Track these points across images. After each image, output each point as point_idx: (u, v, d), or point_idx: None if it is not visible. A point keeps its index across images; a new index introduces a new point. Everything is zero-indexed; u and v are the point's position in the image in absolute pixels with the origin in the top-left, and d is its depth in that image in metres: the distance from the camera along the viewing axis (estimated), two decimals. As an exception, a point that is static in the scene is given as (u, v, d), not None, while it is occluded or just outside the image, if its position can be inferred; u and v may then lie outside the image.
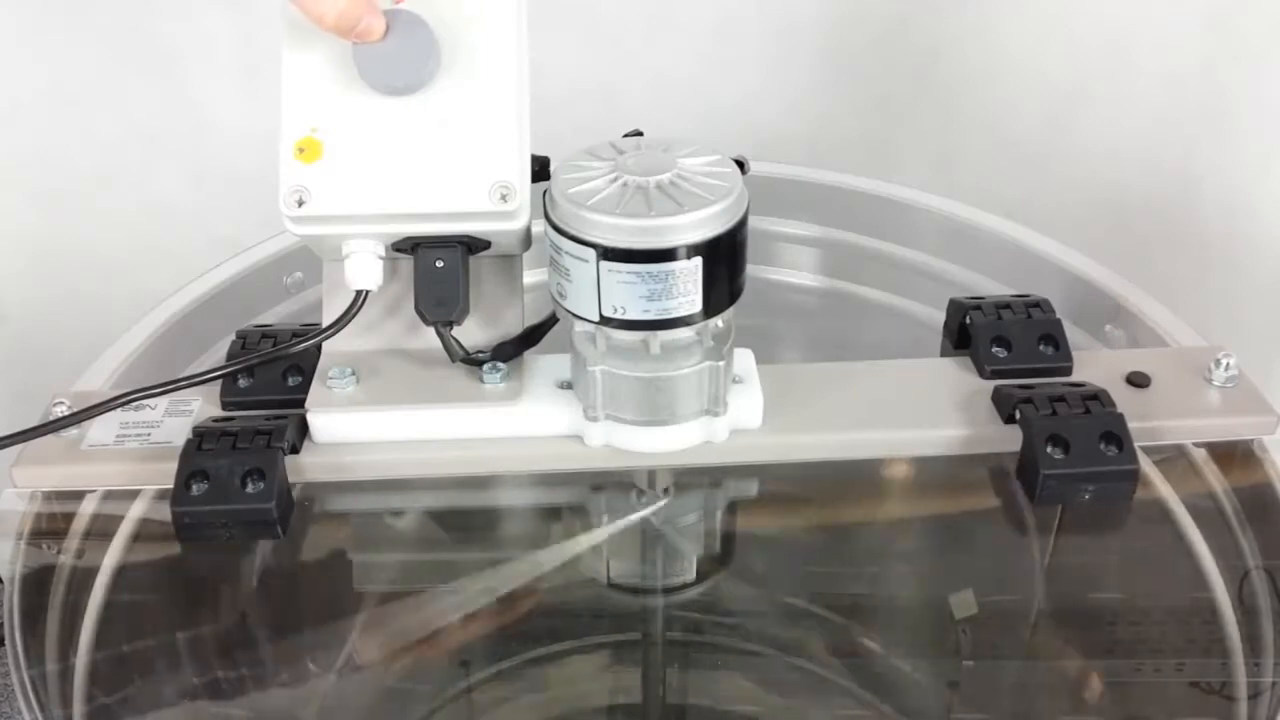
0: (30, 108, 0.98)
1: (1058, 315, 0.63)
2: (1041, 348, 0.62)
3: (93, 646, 0.56)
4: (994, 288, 0.75)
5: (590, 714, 0.70)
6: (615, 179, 0.53)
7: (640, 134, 0.58)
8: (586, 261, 0.52)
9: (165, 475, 0.56)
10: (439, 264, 0.56)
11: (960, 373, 0.62)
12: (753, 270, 0.56)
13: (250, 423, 0.57)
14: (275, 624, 0.62)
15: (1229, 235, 1.02)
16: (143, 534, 0.60)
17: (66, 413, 0.59)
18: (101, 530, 0.59)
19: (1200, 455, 0.61)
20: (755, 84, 1.00)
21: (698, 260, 0.51)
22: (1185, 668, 0.58)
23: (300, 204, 0.54)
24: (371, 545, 0.65)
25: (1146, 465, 0.60)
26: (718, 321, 0.55)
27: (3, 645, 0.54)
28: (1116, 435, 0.56)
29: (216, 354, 0.68)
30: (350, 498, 0.62)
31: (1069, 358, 0.62)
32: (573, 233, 0.52)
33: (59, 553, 0.59)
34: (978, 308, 0.64)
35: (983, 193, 0.84)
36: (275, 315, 0.75)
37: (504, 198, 0.55)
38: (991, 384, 0.61)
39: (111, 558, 0.59)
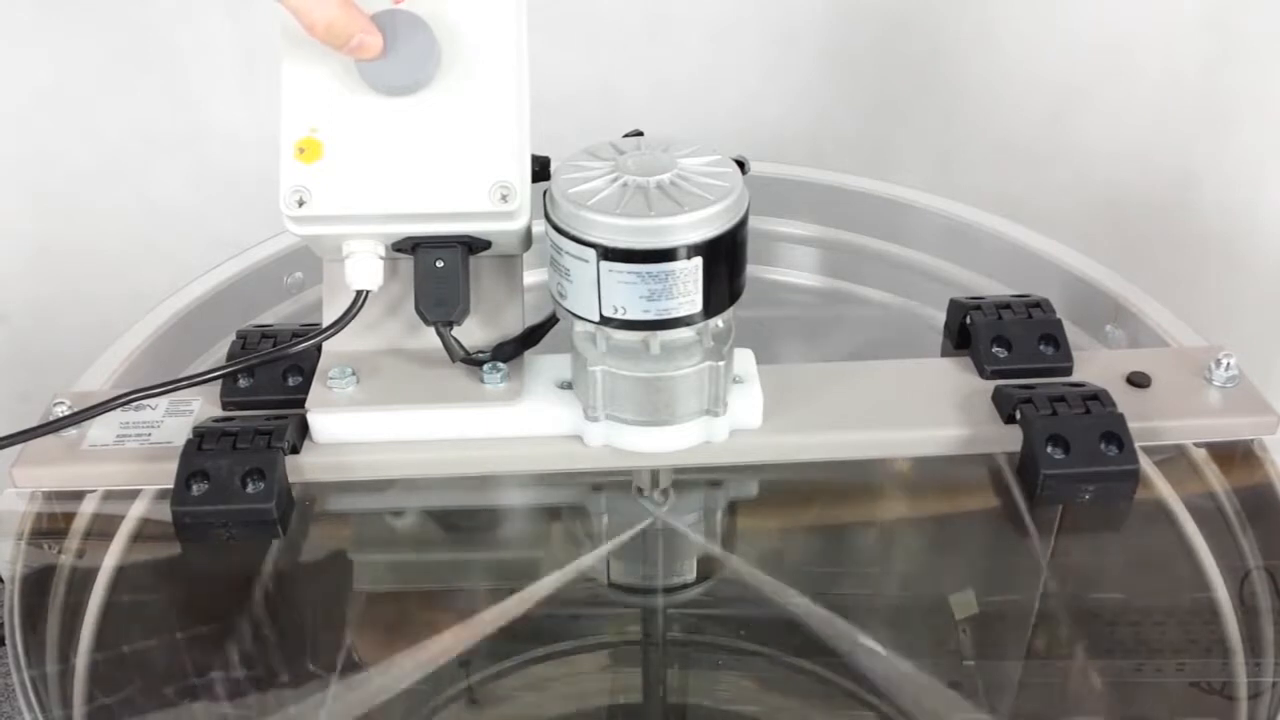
0: (30, 108, 0.98)
1: (1058, 315, 0.63)
2: (1042, 348, 0.62)
3: (93, 646, 0.56)
4: (994, 288, 0.75)
5: (590, 714, 0.70)
6: (615, 179, 0.53)
7: (640, 134, 0.58)
8: (586, 261, 0.52)
9: (165, 475, 0.56)
10: (439, 264, 0.56)
11: (960, 373, 0.62)
12: (753, 270, 0.56)
13: (250, 423, 0.57)
14: (275, 624, 0.62)
15: (1229, 235, 1.02)
16: (143, 534, 0.60)
17: (66, 413, 0.59)
18: (101, 530, 0.59)
19: (1200, 455, 0.61)
20: (756, 84, 1.00)
21: (698, 260, 0.51)
22: (1185, 668, 0.58)
23: (300, 204, 0.54)
24: (371, 545, 0.65)
25: (1147, 465, 0.60)
26: (718, 321, 0.55)
27: (3, 645, 0.54)
28: (1116, 435, 0.56)
29: (216, 354, 0.68)
30: (350, 498, 0.62)
31: (1069, 358, 0.62)
32: (573, 233, 0.52)
33: (59, 553, 0.59)
34: (978, 308, 0.64)
35: (983, 193, 0.84)
36: (275, 315, 0.75)
37: (504, 198, 0.55)
38: (992, 384, 0.61)
39: (111, 558, 0.59)
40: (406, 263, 0.57)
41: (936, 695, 0.63)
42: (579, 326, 0.56)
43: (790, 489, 0.66)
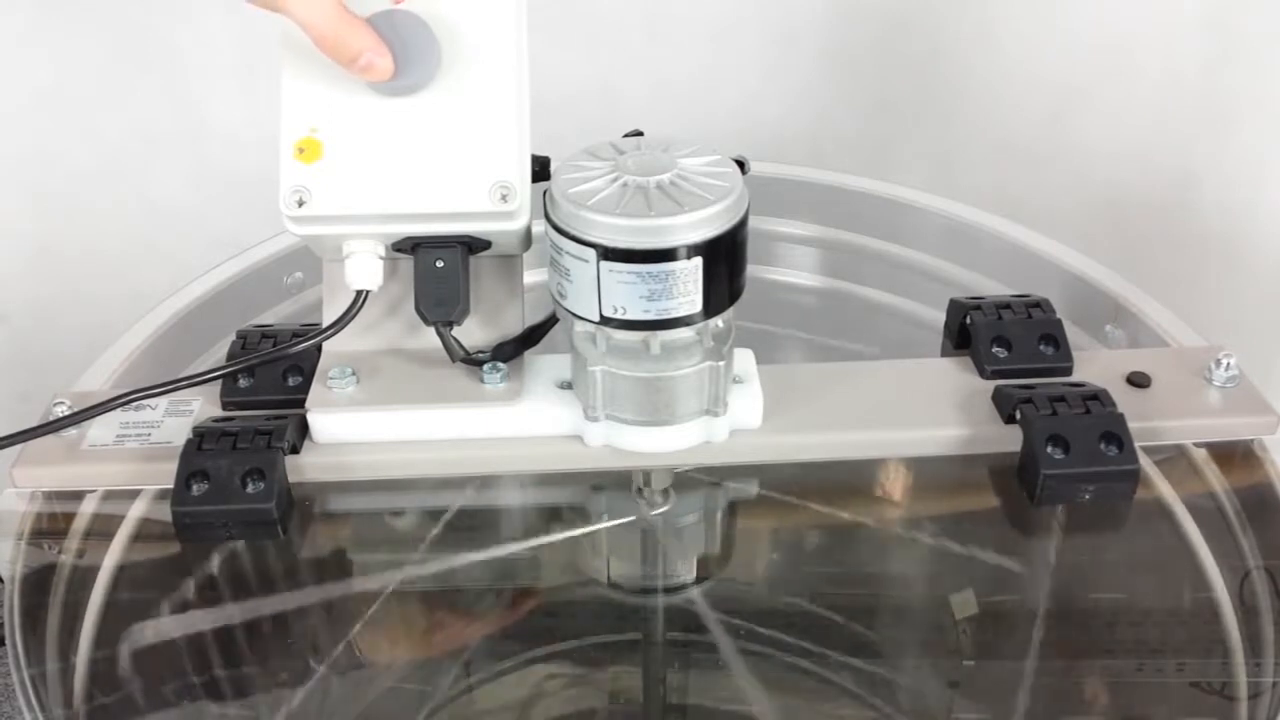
0: (30, 108, 0.98)
1: (1058, 315, 0.63)
2: (1042, 348, 0.62)
3: (93, 646, 0.56)
4: (994, 288, 0.75)
5: (590, 714, 0.70)
6: (615, 179, 0.53)
7: (640, 134, 0.58)
8: (586, 261, 0.52)
9: (165, 475, 0.56)
10: (439, 264, 0.56)
11: (960, 373, 0.62)
12: (753, 270, 0.56)
13: (250, 423, 0.57)
14: (275, 624, 0.62)
15: (1229, 235, 1.02)
16: (143, 534, 0.59)
17: (66, 413, 0.59)
18: (101, 530, 0.59)
19: (1200, 455, 0.61)
20: (756, 84, 1.01)
21: (698, 260, 0.51)
22: (1185, 668, 0.58)
23: (300, 204, 0.54)
24: (372, 545, 0.65)
25: (1147, 465, 0.60)
26: (718, 321, 0.55)
27: (3, 645, 0.54)
28: (1117, 435, 0.56)
29: (216, 354, 0.68)
30: (350, 498, 0.62)
31: (1069, 358, 0.62)
32: (573, 233, 0.52)
33: (59, 553, 0.59)
34: (978, 308, 0.64)
35: (983, 193, 0.84)
36: (275, 315, 0.75)
37: (504, 198, 0.55)
38: (992, 384, 0.61)
39: (111, 558, 0.59)
40: (406, 263, 0.57)
41: (936, 695, 0.63)
42: (579, 326, 0.56)
43: (790, 489, 0.66)
